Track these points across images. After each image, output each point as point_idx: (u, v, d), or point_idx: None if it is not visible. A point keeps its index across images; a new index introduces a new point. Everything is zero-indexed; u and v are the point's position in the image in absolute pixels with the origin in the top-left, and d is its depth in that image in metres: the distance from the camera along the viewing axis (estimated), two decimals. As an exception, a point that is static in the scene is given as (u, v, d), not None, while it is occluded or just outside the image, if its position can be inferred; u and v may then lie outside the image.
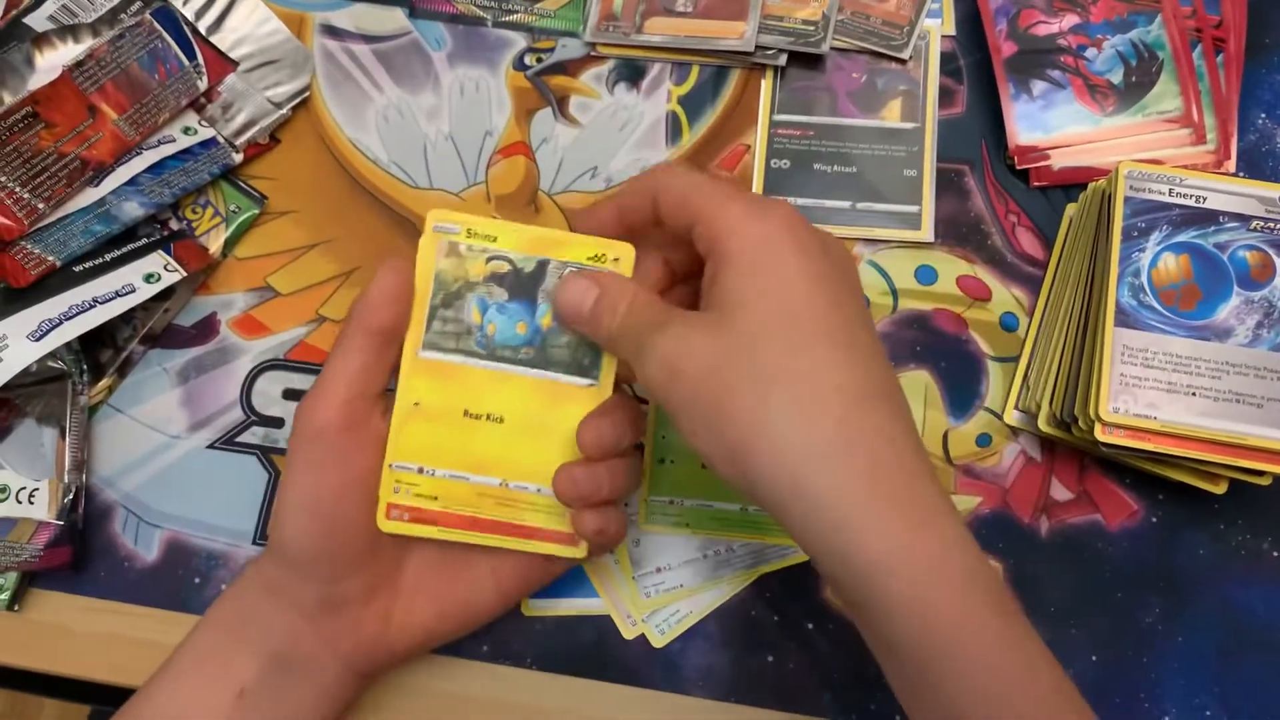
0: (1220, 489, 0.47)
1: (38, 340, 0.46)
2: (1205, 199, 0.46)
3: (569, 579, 0.48)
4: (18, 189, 0.48)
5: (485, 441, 0.41)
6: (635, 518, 0.49)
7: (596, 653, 0.48)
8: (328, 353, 0.40)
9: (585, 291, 0.39)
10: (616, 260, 0.40)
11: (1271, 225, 0.46)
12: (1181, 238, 0.46)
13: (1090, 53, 0.53)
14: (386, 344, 0.40)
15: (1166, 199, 0.47)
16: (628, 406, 0.41)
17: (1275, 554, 0.48)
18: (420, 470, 0.41)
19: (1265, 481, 0.45)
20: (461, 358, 0.41)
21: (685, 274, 0.42)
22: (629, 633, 0.48)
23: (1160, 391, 0.45)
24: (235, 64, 0.54)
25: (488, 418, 0.41)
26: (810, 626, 0.48)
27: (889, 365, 0.36)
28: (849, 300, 0.36)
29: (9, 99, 0.50)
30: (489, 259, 0.41)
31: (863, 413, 0.34)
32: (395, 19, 0.57)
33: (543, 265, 0.41)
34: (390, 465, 0.41)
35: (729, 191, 0.37)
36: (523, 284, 0.41)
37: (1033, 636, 0.34)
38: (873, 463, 0.33)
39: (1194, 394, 0.45)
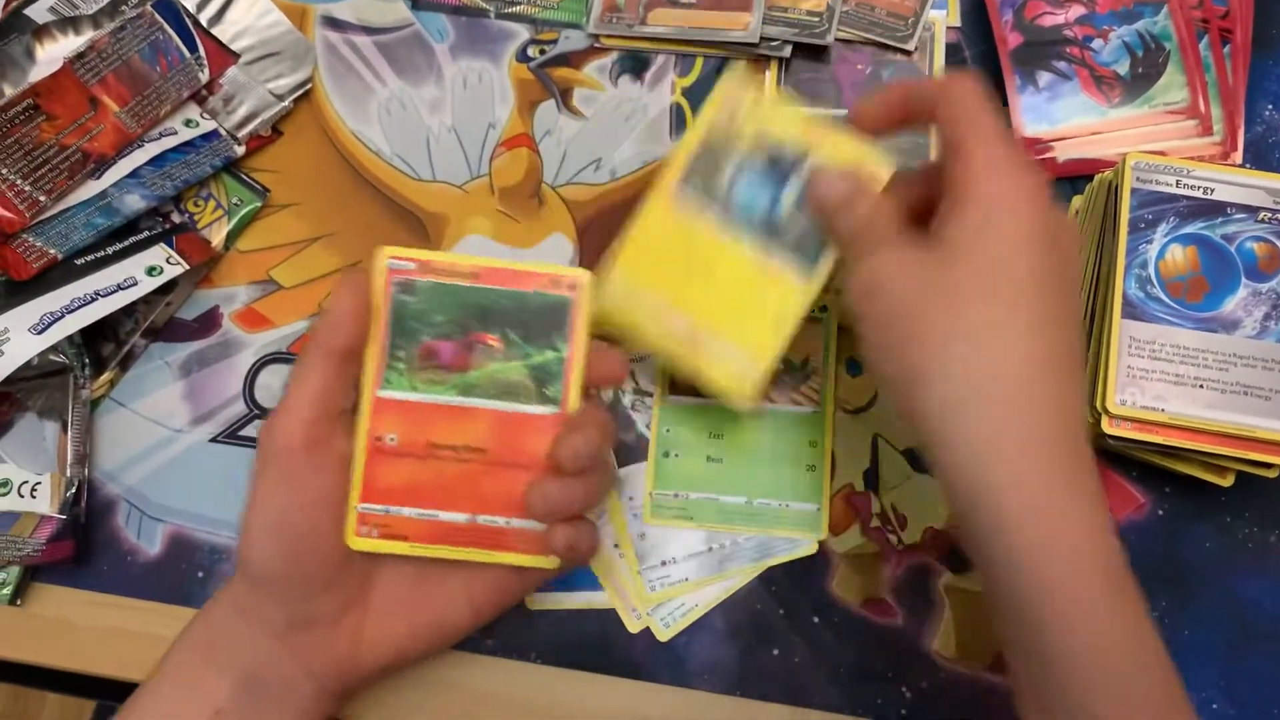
0: (1227, 481, 0.46)
1: (39, 334, 0.46)
2: (1213, 190, 0.46)
3: (574, 572, 0.48)
4: (19, 181, 0.48)
5: (452, 476, 0.41)
6: (640, 511, 0.49)
7: (601, 646, 0.48)
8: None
9: (842, 185, 0.41)
10: (871, 176, 0.41)
11: (1279, 216, 0.46)
12: (1189, 229, 0.46)
13: (1096, 44, 0.53)
14: (346, 363, 0.39)
15: (1174, 190, 0.46)
16: (599, 418, 0.41)
17: (1282, 547, 0.48)
18: (386, 512, 0.41)
19: (1272, 474, 0.45)
20: (425, 395, 0.40)
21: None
22: (634, 626, 0.48)
23: (1168, 384, 0.44)
24: (237, 56, 0.54)
25: (454, 451, 0.41)
26: (816, 620, 0.47)
27: (1080, 342, 0.38)
28: (1061, 277, 0.37)
29: (10, 91, 0.49)
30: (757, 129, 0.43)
31: (1043, 379, 0.35)
32: (397, 10, 0.56)
33: (802, 158, 0.42)
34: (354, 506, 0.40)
35: (997, 134, 0.37)
36: (779, 164, 0.43)
37: (1144, 622, 0.35)
38: (1037, 427, 0.35)
39: (1201, 386, 0.44)
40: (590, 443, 0.40)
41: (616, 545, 0.49)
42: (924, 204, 0.41)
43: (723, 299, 0.43)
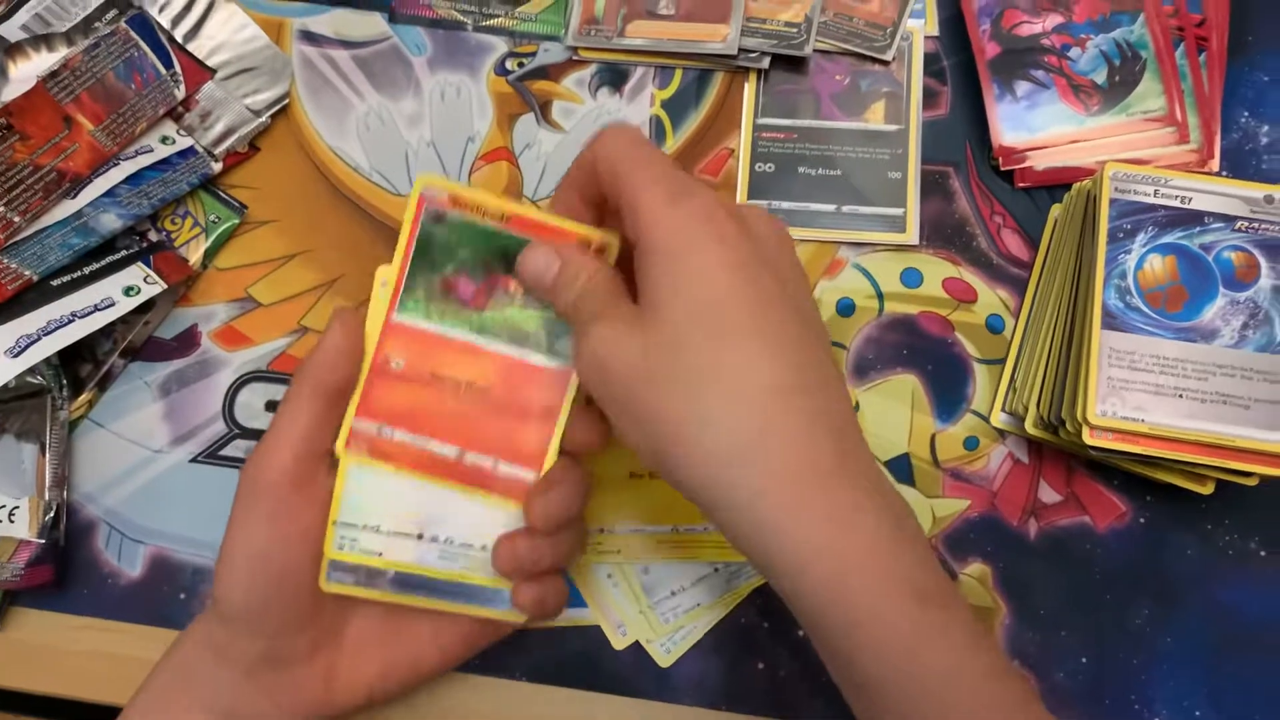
0: (1208, 490, 0.47)
1: (15, 357, 0.46)
2: (1190, 200, 0.46)
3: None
4: (-7, 203, 0.47)
5: (450, 409, 0.40)
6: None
7: (587, 663, 0.47)
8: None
9: (548, 262, 0.38)
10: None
11: (1256, 225, 0.46)
12: (1167, 239, 0.46)
13: (1074, 52, 0.53)
14: (334, 402, 0.39)
15: (1152, 200, 0.46)
16: (574, 475, 0.40)
17: (1263, 554, 0.48)
18: (379, 431, 0.40)
19: (1252, 482, 0.45)
20: (438, 327, 0.40)
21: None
22: (619, 643, 0.48)
23: (1148, 394, 0.44)
24: (213, 72, 0.54)
25: (457, 385, 0.40)
26: (800, 633, 0.47)
27: (822, 351, 0.35)
28: (773, 287, 0.35)
29: (-18, 111, 0.49)
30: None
31: (787, 411, 0.33)
32: (374, 24, 0.56)
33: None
34: (334, 522, 0.40)
35: (652, 174, 0.35)
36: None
37: (957, 623, 0.33)
38: (792, 463, 0.33)
39: (1181, 396, 0.44)
40: (564, 503, 0.39)
41: (610, 576, 0.48)
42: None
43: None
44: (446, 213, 0.39)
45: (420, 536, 0.40)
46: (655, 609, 0.48)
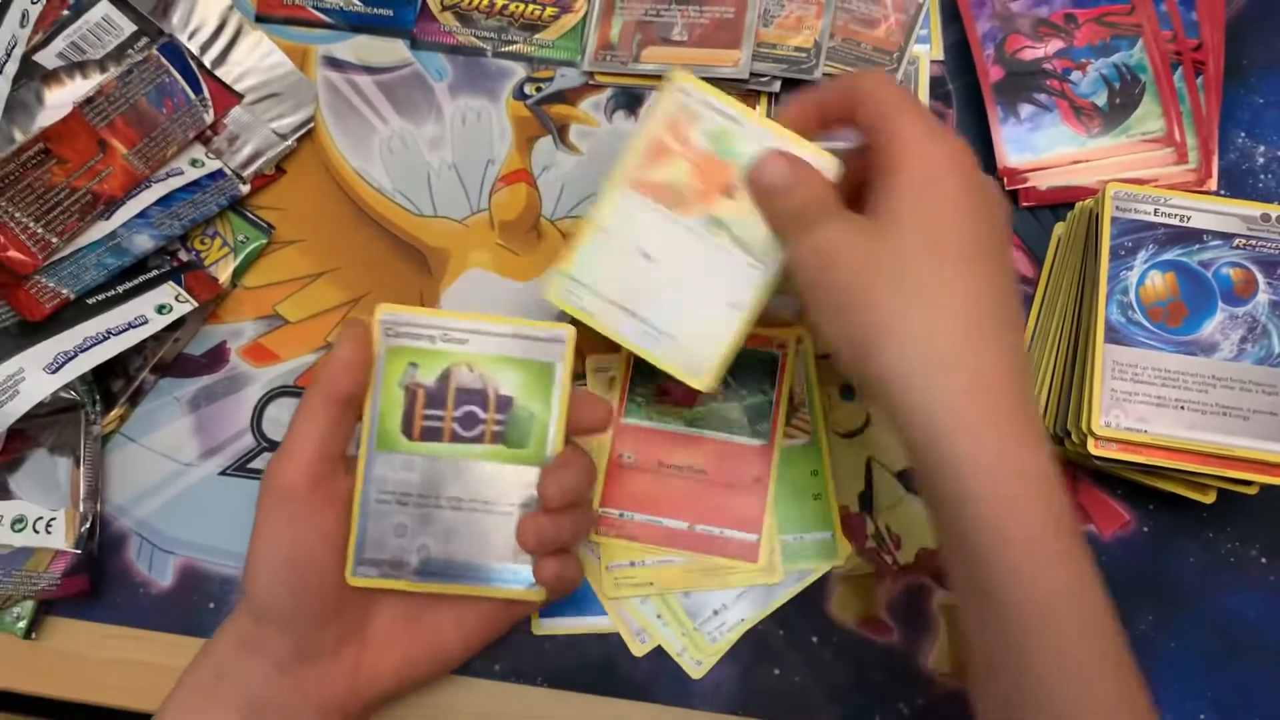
0: (1209, 499, 0.48)
1: (54, 373, 0.47)
2: (1189, 218, 0.48)
3: (578, 598, 0.49)
4: (31, 224, 0.49)
5: (677, 490, 0.50)
6: (604, 588, 0.50)
7: (606, 669, 0.49)
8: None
9: (781, 170, 0.42)
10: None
11: (1254, 243, 0.48)
12: (1167, 256, 0.48)
13: (1075, 76, 0.55)
14: (347, 409, 0.42)
15: (1152, 219, 0.48)
16: (582, 457, 0.44)
17: (1264, 561, 0.49)
18: (621, 516, 0.47)
19: (1252, 491, 0.47)
20: (659, 424, 0.51)
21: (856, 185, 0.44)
22: (638, 650, 0.49)
23: (1150, 405, 0.46)
24: (240, 97, 0.55)
25: (678, 470, 0.51)
26: (815, 639, 0.49)
27: (1018, 299, 0.40)
28: (995, 235, 0.39)
29: (20, 137, 0.51)
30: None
31: (987, 336, 0.37)
32: (397, 50, 0.58)
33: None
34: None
35: (918, 111, 0.40)
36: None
37: (1085, 558, 0.37)
38: (986, 383, 0.36)
39: (1182, 407, 0.46)
40: (577, 476, 0.43)
41: (660, 616, 0.50)
42: (853, 191, 0.43)
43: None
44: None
45: None
46: (701, 630, 0.49)
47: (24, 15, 0.49)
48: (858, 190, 0.42)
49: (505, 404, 0.43)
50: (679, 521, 0.49)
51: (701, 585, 0.49)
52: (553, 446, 0.43)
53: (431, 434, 0.43)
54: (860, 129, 0.41)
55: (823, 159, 0.43)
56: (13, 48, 0.48)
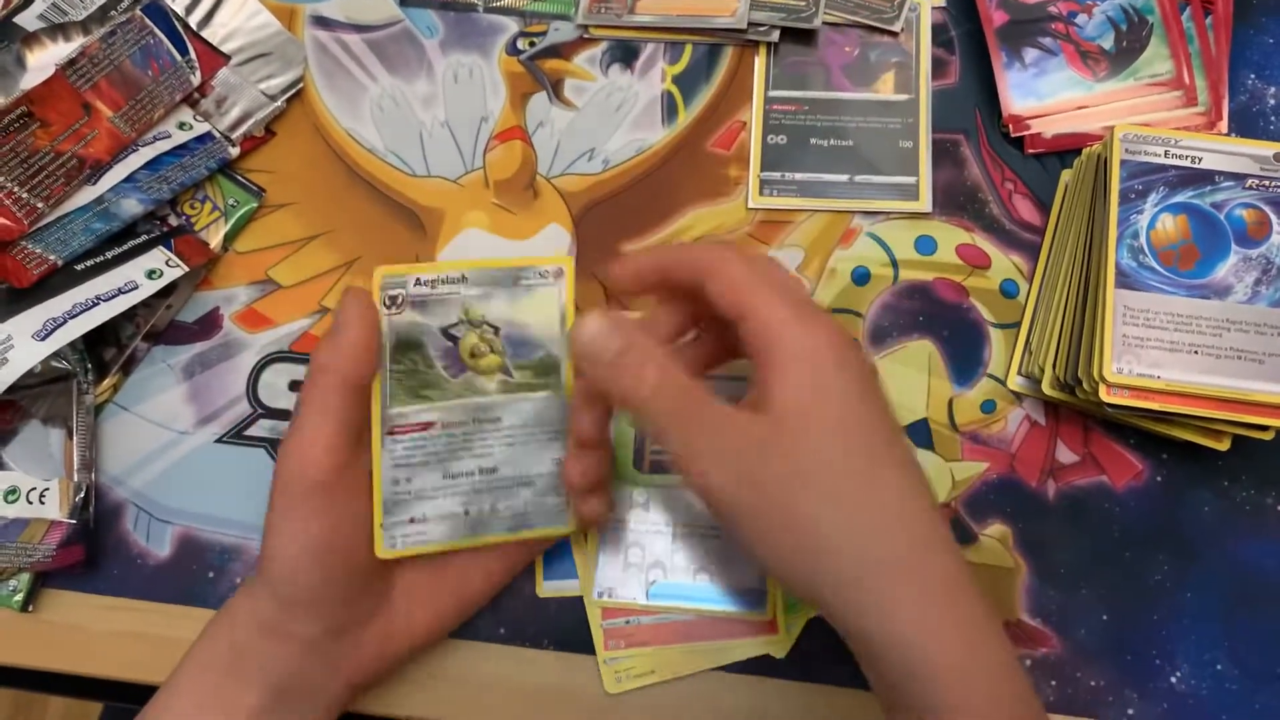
0: (1224, 445, 0.47)
1: (43, 340, 0.46)
2: (1201, 159, 0.47)
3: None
4: (16, 189, 0.48)
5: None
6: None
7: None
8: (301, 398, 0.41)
9: (607, 338, 0.37)
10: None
11: (1267, 183, 0.46)
12: (1178, 198, 0.47)
13: (1081, 19, 0.53)
14: (361, 394, 0.41)
15: (1162, 160, 0.47)
16: (600, 397, 0.41)
17: (1280, 508, 0.49)
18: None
19: (1268, 436, 0.46)
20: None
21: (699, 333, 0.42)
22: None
23: (1163, 351, 0.45)
24: (227, 58, 0.54)
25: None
26: (824, 597, 0.48)
27: (924, 474, 0.37)
28: (888, 411, 0.37)
29: (2, 100, 0.49)
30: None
31: (924, 527, 0.35)
32: (386, 7, 0.57)
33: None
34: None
35: (778, 291, 0.36)
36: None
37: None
38: (940, 581, 0.35)
39: (1196, 352, 0.45)
40: (604, 415, 0.42)
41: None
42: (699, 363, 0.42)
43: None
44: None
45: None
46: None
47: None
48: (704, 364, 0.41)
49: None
50: (686, 613, 0.47)
51: (709, 664, 0.47)
52: (566, 378, 0.43)
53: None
54: (713, 306, 0.37)
55: (562, 267, 0.43)
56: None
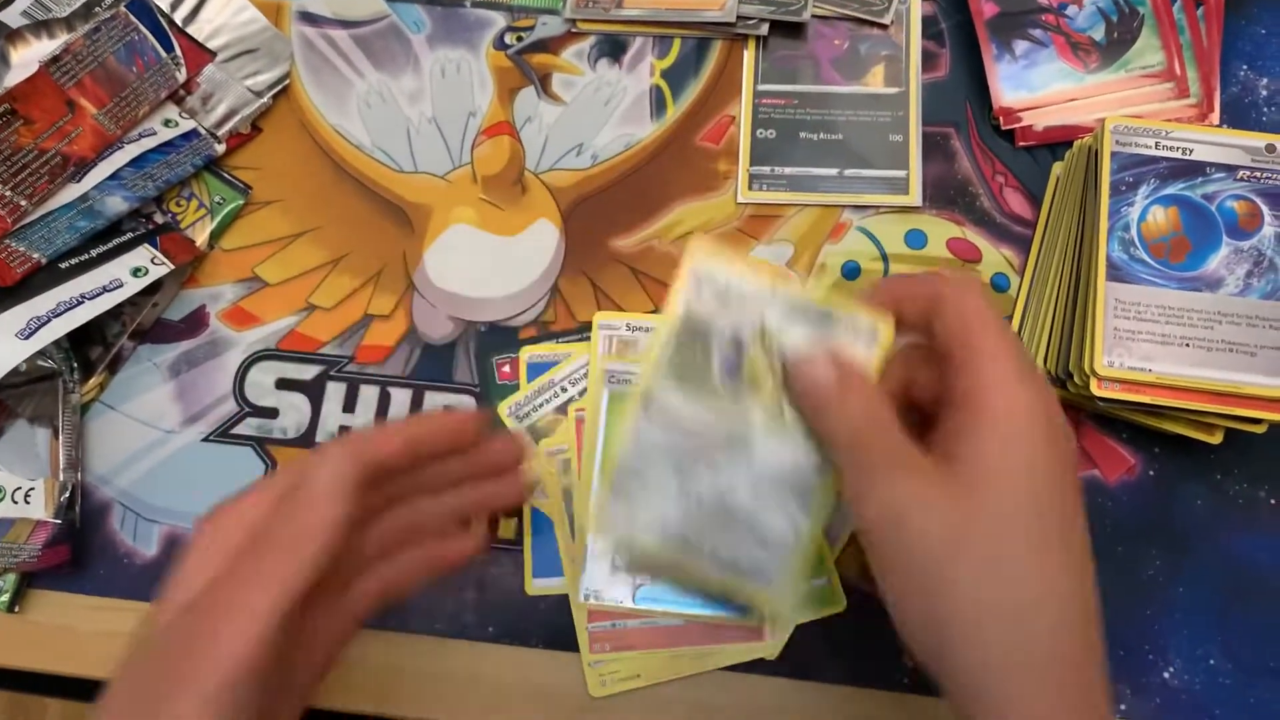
0: (1216, 439, 0.47)
1: (26, 338, 0.46)
2: (1192, 151, 0.47)
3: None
4: (-1, 187, 0.47)
5: None
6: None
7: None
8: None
9: (827, 372, 0.36)
10: (874, 332, 0.37)
11: (1258, 174, 0.46)
12: (1169, 190, 0.46)
13: (1071, 10, 0.53)
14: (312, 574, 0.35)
15: (1153, 152, 0.47)
16: None
17: (1273, 502, 0.48)
18: None
19: (1261, 429, 0.45)
20: None
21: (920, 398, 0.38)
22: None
23: (1154, 344, 0.45)
24: (213, 54, 0.54)
25: None
26: (815, 593, 0.48)
27: (1092, 566, 0.34)
28: (1076, 497, 0.34)
29: (-15, 96, 0.49)
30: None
31: (1077, 634, 0.32)
32: (372, 3, 0.56)
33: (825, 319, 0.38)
34: None
35: (1008, 339, 0.34)
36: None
37: None
38: (1076, 688, 0.32)
39: (1188, 345, 0.45)
40: None
41: None
42: (904, 394, 0.37)
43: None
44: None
45: None
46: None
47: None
48: (908, 395, 0.37)
49: None
50: (673, 618, 0.46)
51: (694, 669, 0.46)
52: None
53: (714, 389, 0.38)
54: (936, 342, 0.35)
55: (877, 327, 0.37)
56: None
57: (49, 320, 0.47)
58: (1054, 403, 0.34)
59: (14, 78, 0.50)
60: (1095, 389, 0.44)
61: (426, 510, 0.41)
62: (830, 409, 0.35)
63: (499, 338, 0.51)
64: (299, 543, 0.34)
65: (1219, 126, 0.52)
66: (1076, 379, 0.46)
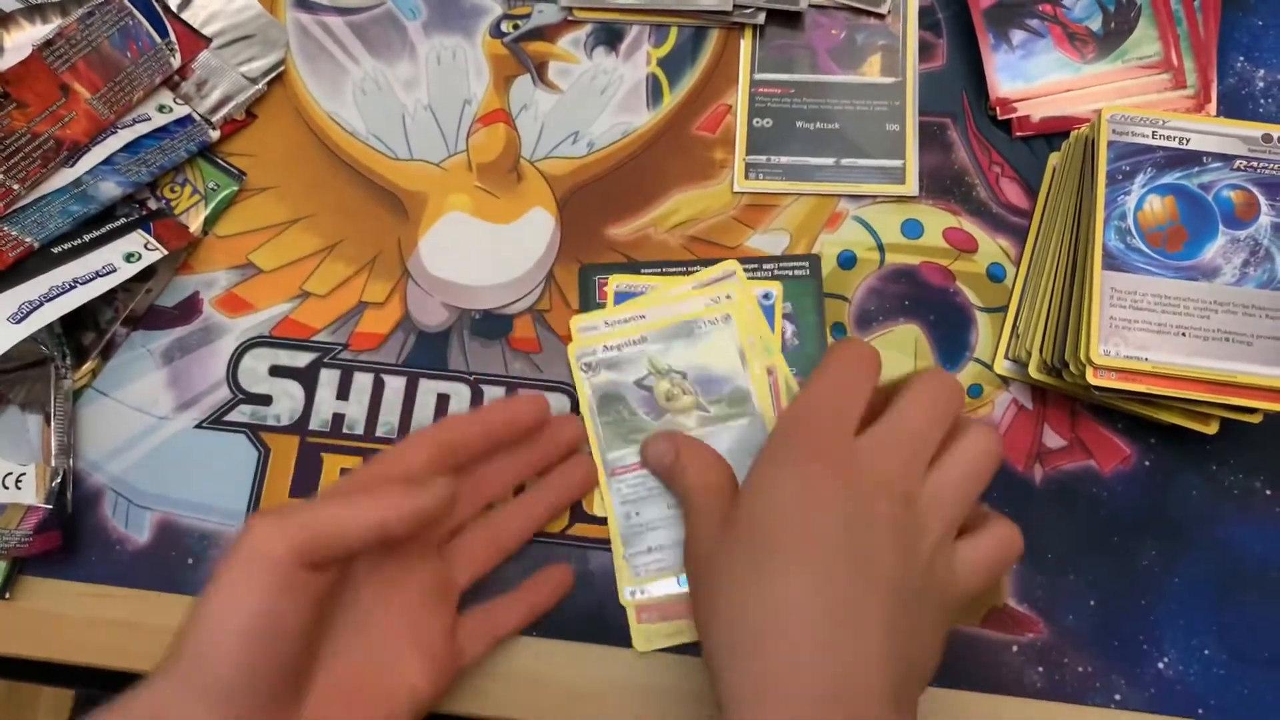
0: (1212, 429, 0.47)
1: (18, 323, 0.46)
2: (1188, 140, 0.47)
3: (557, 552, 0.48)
4: (-9, 171, 0.47)
5: None
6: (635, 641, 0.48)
7: (599, 617, 0.47)
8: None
9: (665, 451, 0.46)
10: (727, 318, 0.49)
11: (1255, 164, 0.46)
12: (1166, 179, 0.46)
13: (1068, 0, 0.53)
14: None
15: (1150, 141, 0.47)
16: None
17: (1268, 492, 0.48)
18: None
19: (1256, 419, 0.45)
20: None
21: None
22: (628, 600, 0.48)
23: (1150, 333, 0.45)
24: (208, 40, 0.54)
25: None
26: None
27: (865, 594, 0.36)
28: (837, 534, 0.37)
29: (-22, 80, 0.49)
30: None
31: (818, 632, 0.35)
32: (369, -10, 0.56)
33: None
34: None
35: (784, 427, 0.40)
36: None
37: None
38: (809, 680, 0.35)
39: (1184, 334, 0.45)
40: None
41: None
42: None
43: None
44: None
45: None
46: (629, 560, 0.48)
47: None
48: None
49: (706, 380, 0.48)
50: None
51: None
52: (760, 404, 0.48)
53: (649, 427, 0.48)
54: None
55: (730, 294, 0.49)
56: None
57: (41, 305, 0.46)
58: (809, 476, 0.38)
59: (7, 62, 0.49)
60: (1091, 378, 0.44)
61: (501, 523, 0.47)
62: (670, 478, 0.45)
63: (493, 325, 0.51)
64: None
65: (1216, 117, 0.52)
66: (1072, 368, 0.45)
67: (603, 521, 0.48)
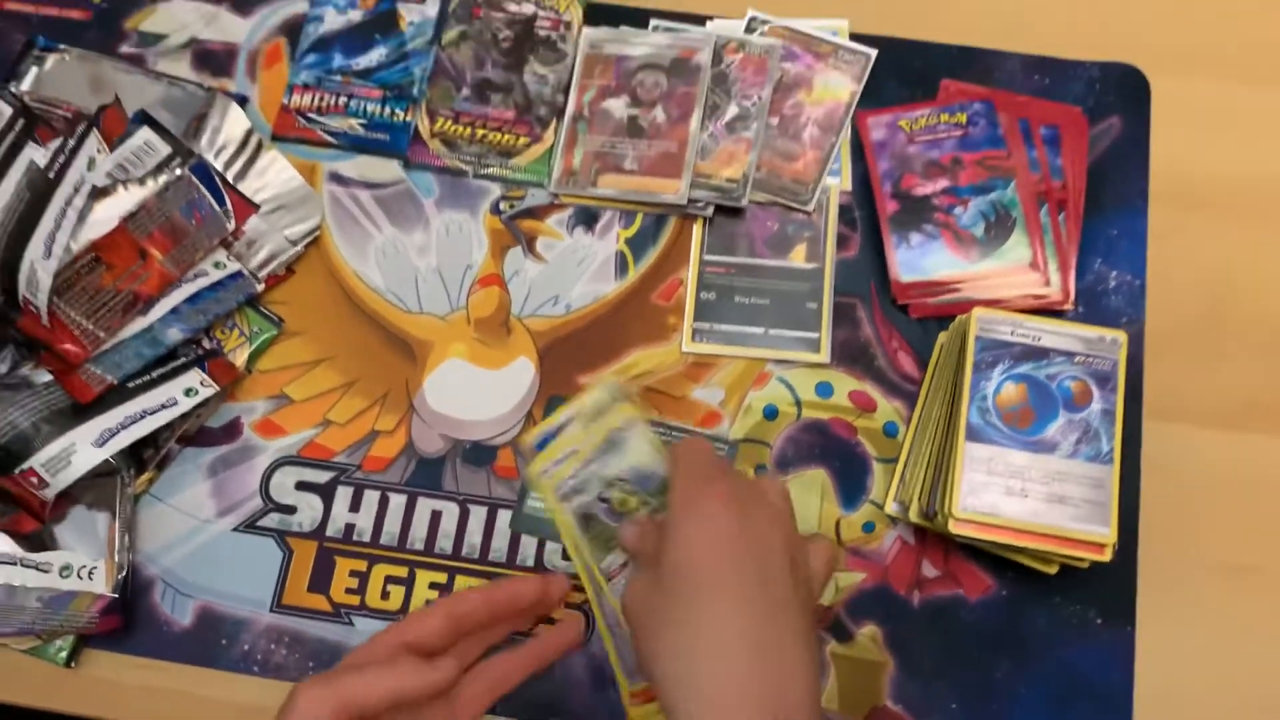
0: (1053, 570, 0.58)
1: (100, 446, 0.57)
2: (1040, 338, 0.58)
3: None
4: (83, 321, 0.59)
5: None
6: None
7: (561, 696, 0.58)
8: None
9: (633, 530, 0.52)
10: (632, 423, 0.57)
11: (1091, 360, 0.58)
12: (1020, 369, 0.58)
13: (958, 210, 0.65)
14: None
15: (1009, 338, 0.58)
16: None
17: (1099, 621, 0.59)
18: None
19: (1085, 564, 0.57)
20: None
21: None
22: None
23: (1001, 494, 0.56)
24: (257, 207, 0.65)
25: None
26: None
27: (799, 622, 0.44)
28: (746, 560, 0.45)
29: (74, 248, 0.60)
30: None
31: (735, 656, 0.43)
32: (392, 170, 0.68)
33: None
34: None
35: (688, 472, 0.48)
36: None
37: None
38: (739, 699, 0.42)
39: (1028, 496, 0.56)
40: None
41: None
42: None
43: None
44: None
45: None
46: None
47: (90, 161, 0.59)
48: None
49: (641, 478, 0.55)
50: None
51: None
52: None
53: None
54: None
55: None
56: (80, 185, 0.58)
57: (118, 432, 0.58)
58: (716, 498, 0.46)
59: (96, 230, 0.60)
60: (951, 528, 0.56)
61: (498, 673, 0.53)
62: (632, 553, 0.52)
63: (481, 454, 0.62)
64: None
65: (1070, 315, 0.63)
66: (940, 517, 0.57)
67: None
